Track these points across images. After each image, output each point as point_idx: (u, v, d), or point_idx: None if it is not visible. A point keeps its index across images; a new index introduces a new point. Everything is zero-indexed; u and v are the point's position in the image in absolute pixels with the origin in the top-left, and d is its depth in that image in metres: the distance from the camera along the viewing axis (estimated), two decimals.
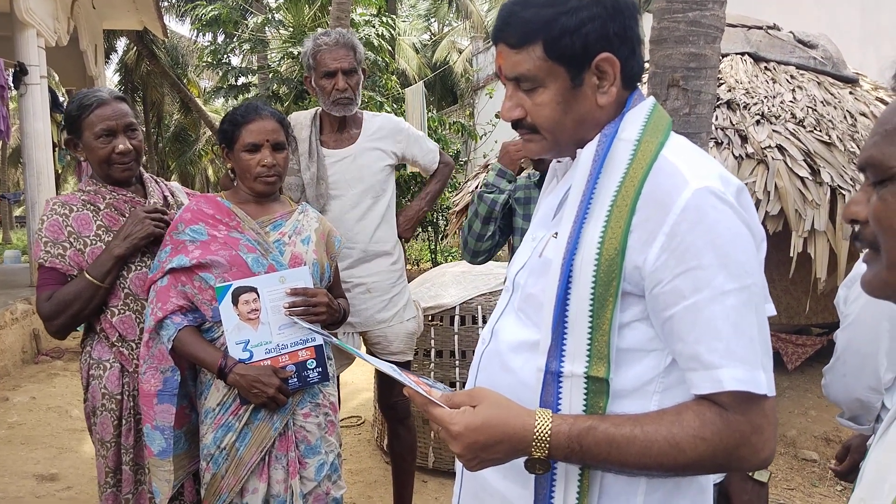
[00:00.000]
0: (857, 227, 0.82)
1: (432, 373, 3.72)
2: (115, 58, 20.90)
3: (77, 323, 2.10)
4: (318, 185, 2.66)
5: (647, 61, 1.18)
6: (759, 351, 1.00)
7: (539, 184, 2.46)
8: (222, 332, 1.99)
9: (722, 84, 5.09)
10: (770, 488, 1.67)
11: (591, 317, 1.04)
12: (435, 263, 11.13)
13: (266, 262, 2.03)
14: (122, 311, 2.10)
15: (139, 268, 2.12)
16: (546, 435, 1.01)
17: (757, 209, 3.54)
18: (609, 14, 1.09)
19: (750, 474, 1.59)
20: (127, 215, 2.13)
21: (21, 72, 6.71)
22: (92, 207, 2.13)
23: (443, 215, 10.71)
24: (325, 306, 2.04)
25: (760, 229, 1.07)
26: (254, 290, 1.98)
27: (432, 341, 3.71)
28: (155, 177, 2.34)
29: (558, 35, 1.08)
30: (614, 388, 1.05)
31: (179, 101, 21.51)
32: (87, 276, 2.04)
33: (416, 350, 3.41)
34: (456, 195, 7.29)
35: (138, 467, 2.14)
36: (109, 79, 22.17)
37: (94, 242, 2.10)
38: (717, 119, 4.70)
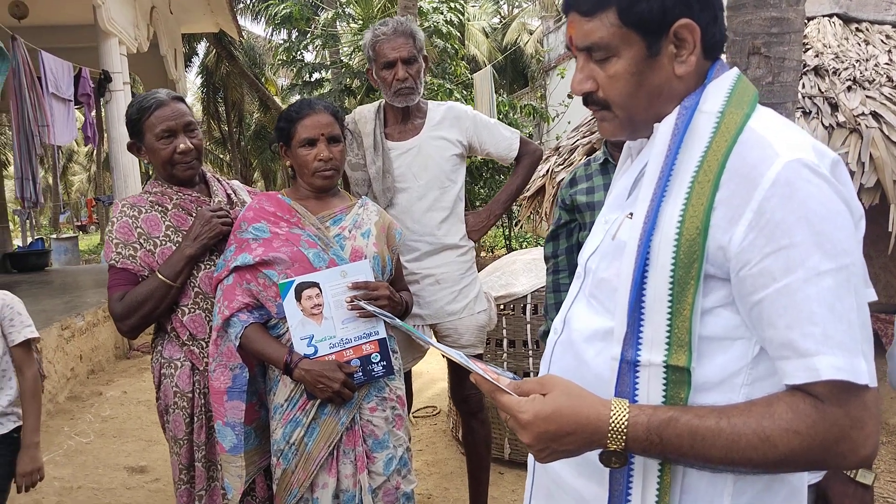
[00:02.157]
0: None
1: (505, 363, 3.65)
2: (196, 61, 21.66)
3: (149, 323, 2.14)
4: (385, 179, 2.63)
5: (725, 29, 1.08)
6: (859, 337, 0.90)
7: (603, 167, 2.35)
8: (287, 328, 1.99)
9: (808, 49, 4.78)
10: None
11: (670, 301, 0.97)
12: (510, 250, 11.03)
13: (327, 257, 2.02)
14: (192, 310, 2.13)
15: (208, 266, 2.14)
16: (623, 426, 0.94)
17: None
18: None
19: (852, 476, 1.44)
20: (194, 215, 2.16)
21: (105, 79, 7.03)
22: (160, 208, 2.17)
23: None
24: (387, 299, 2.02)
25: (858, 205, 0.97)
26: (316, 285, 1.97)
27: (504, 331, 3.64)
28: (217, 175, 2.36)
29: None
30: (697, 380, 0.98)
31: (258, 100, 22.10)
32: (160, 275, 2.07)
33: (487, 340, 3.35)
34: None
35: (211, 464, 2.17)
36: (192, 81, 23.04)
37: (163, 243, 2.13)
38: (803, 87, 4.41)
